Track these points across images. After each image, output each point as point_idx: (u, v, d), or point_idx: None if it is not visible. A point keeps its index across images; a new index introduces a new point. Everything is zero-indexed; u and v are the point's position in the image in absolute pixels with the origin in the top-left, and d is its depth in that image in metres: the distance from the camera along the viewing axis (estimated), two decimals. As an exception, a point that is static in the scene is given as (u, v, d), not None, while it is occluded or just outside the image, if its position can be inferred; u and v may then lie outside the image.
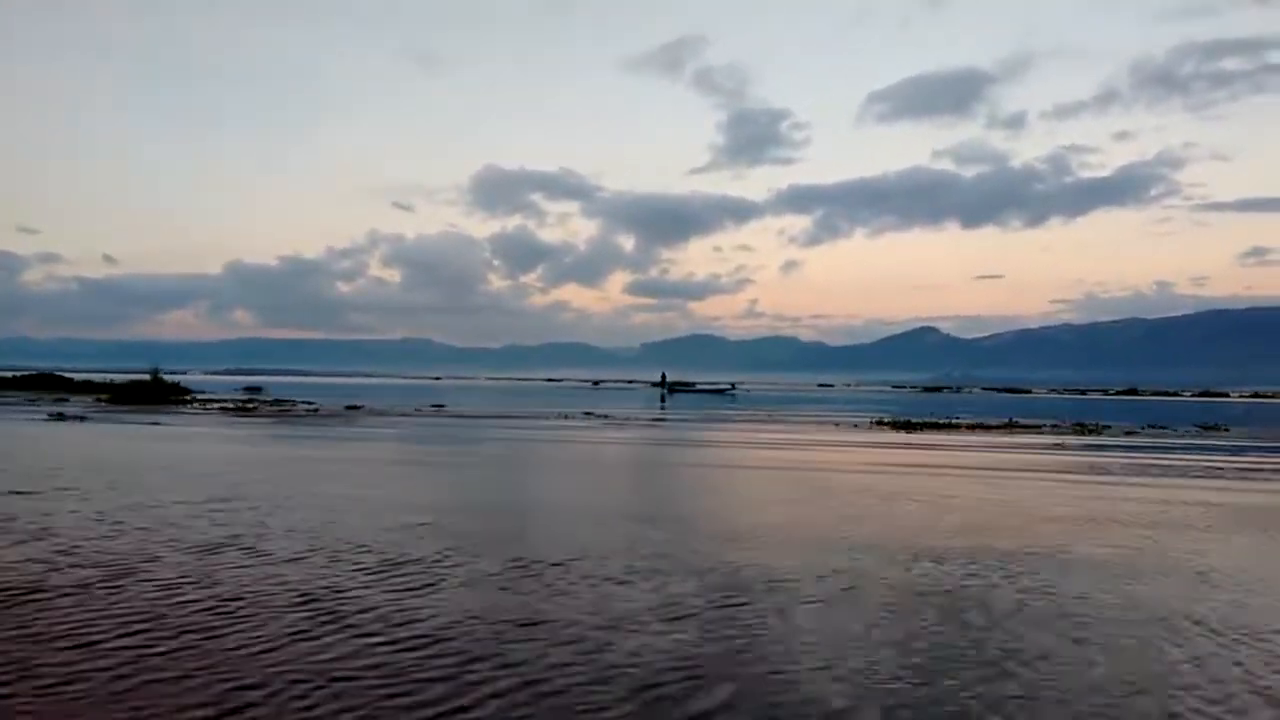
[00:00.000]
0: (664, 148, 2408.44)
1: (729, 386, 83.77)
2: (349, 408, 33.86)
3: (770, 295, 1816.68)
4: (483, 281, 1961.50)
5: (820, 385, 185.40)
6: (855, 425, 28.65)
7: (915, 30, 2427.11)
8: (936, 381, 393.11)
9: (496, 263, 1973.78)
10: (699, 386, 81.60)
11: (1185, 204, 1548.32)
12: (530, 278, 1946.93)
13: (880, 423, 30.08)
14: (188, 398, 36.44)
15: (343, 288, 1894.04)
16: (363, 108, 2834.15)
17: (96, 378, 59.03)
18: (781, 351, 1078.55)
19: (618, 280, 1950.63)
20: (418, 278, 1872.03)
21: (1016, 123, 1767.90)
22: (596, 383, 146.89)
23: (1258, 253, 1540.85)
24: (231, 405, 32.71)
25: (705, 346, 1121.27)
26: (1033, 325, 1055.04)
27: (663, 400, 55.80)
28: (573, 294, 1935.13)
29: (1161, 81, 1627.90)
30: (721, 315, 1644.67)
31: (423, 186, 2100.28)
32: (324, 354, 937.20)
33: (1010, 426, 28.63)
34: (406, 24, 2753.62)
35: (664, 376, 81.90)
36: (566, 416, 32.90)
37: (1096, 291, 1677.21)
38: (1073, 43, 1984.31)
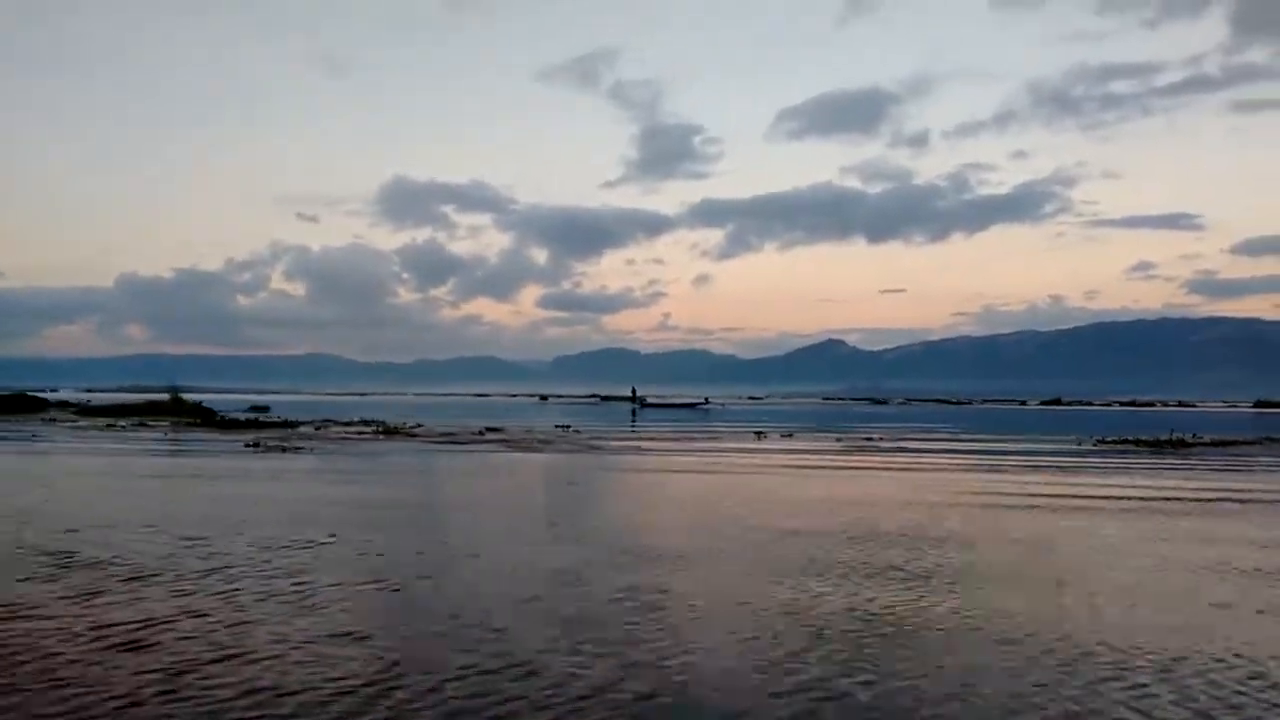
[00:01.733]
0: (577, 160, 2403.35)
1: (702, 401, 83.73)
2: (489, 429, 31.86)
3: (682, 308, 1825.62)
4: (391, 295, 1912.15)
5: (751, 399, 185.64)
6: (1080, 444, 27.19)
7: (824, 50, 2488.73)
8: (845, 393, 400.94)
9: (405, 275, 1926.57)
10: (649, 401, 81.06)
11: (1077, 220, 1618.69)
12: (440, 291, 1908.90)
13: (1104, 440, 28.92)
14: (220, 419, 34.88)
15: (243, 301, 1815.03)
16: (265, 114, 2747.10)
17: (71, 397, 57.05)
18: (694, 364, 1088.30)
19: (530, 293, 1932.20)
20: (322, 291, 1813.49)
21: (920, 141, 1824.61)
22: (544, 397, 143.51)
23: (1143, 267, 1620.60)
24: (370, 433, 29.41)
25: (618, 360, 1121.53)
26: (935, 338, 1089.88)
27: (634, 415, 54.85)
28: (484, 307, 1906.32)
29: (1056, 103, 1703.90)
30: (634, 329, 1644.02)
31: (328, 197, 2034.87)
32: (223, 369, 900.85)
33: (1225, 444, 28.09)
34: (312, 28, 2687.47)
35: (634, 391, 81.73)
36: (760, 434, 32.26)
37: (995, 304, 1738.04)
38: (974, 65, 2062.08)
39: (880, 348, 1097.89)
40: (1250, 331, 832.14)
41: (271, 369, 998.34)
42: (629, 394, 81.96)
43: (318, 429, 30.98)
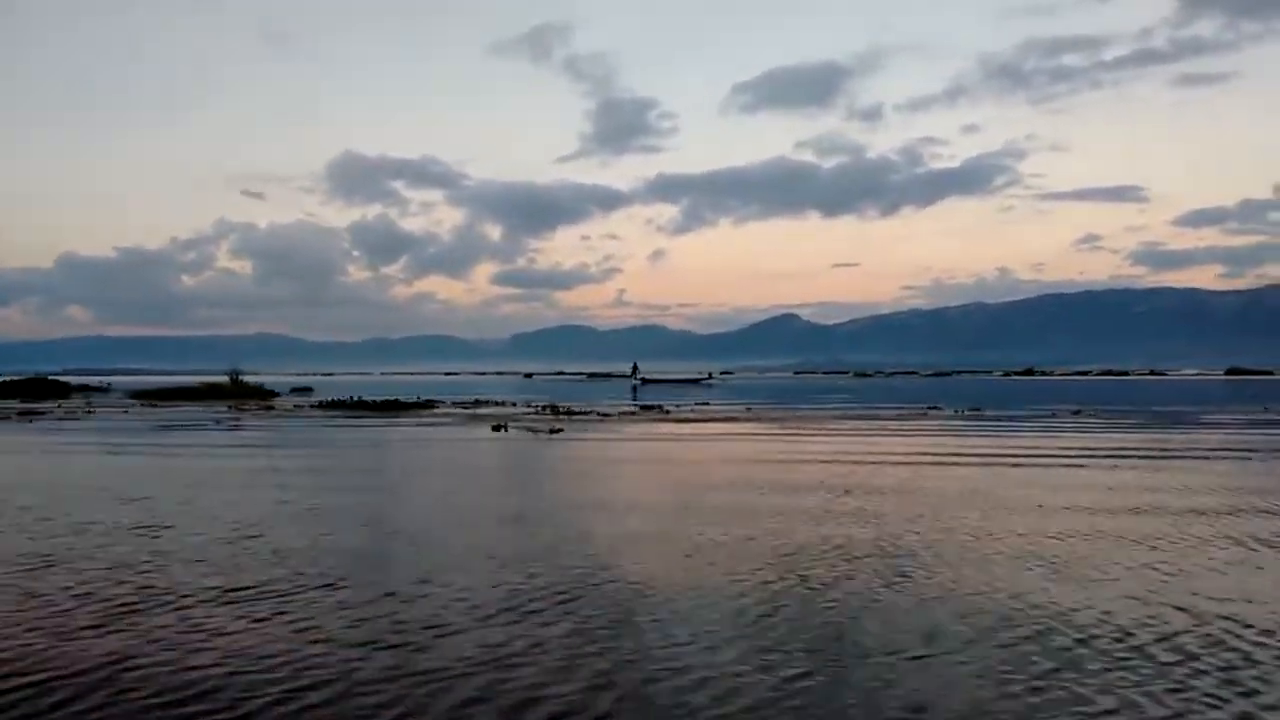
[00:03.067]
0: (531, 135, 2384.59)
1: (705, 376, 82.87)
2: (645, 406, 31.07)
3: (638, 284, 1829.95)
4: (342, 273, 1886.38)
5: (723, 374, 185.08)
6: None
7: (778, 24, 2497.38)
8: (802, 366, 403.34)
9: (356, 253, 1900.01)
10: (649, 377, 79.52)
11: (1026, 193, 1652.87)
12: (393, 268, 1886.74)
13: None
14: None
15: (188, 281, 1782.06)
16: (208, 89, 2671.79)
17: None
18: (651, 340, 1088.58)
19: (484, 270, 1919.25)
20: (271, 269, 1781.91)
21: (873, 115, 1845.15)
22: (529, 375, 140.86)
23: (1090, 239, 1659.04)
24: (551, 414, 26.63)
25: (575, 337, 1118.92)
26: (886, 311, 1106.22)
27: (635, 391, 54.81)
28: (438, 285, 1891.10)
29: (1006, 76, 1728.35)
30: (590, 305, 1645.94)
31: (275, 174, 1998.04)
32: (170, 351, 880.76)
33: None
34: (258, 0, 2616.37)
35: (635, 367, 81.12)
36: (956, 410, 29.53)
37: (944, 278, 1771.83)
38: (925, 38, 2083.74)
39: (833, 321, 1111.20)
40: (1193, 301, 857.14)
41: (220, 349, 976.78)
42: (617, 371, 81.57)
43: (467, 407, 29.37)
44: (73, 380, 48.59)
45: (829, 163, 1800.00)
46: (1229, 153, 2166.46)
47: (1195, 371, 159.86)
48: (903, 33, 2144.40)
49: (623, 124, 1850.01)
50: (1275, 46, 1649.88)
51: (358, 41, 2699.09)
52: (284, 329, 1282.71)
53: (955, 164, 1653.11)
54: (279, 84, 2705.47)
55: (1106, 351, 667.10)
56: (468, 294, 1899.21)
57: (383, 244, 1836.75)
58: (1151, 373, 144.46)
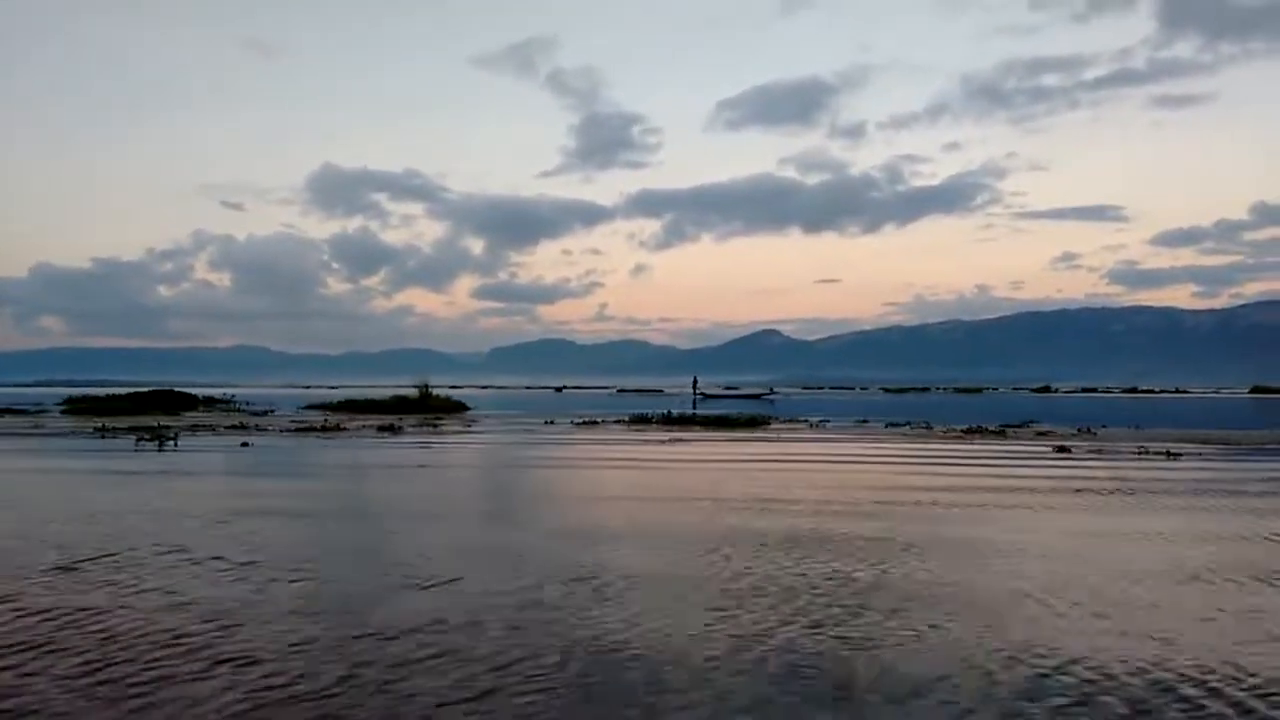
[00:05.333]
0: (513, 149, 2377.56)
1: (767, 391, 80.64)
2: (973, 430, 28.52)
3: (620, 299, 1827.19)
4: (321, 285, 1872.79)
5: (727, 388, 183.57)
6: None
7: (764, 41, 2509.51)
8: (785, 381, 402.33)
9: (336, 266, 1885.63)
10: (709, 392, 77.25)
11: (1006, 212, 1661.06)
12: (372, 281, 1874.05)
13: None
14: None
15: (165, 292, 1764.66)
16: (186, 99, 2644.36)
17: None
18: (632, 355, 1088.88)
19: (465, 284, 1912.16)
20: (249, 282, 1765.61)
21: (856, 133, 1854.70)
22: (559, 389, 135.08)
23: (1068, 258, 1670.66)
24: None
25: (555, 351, 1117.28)
26: (867, 327, 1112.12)
27: (694, 405, 52.90)
28: (418, 298, 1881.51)
29: (987, 96, 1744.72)
30: (571, 319, 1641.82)
31: (254, 185, 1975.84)
32: (146, 363, 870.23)
33: None
34: (238, 9, 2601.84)
35: (695, 381, 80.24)
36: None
37: (924, 295, 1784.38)
38: (908, 57, 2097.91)
39: (815, 337, 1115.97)
40: (1168, 320, 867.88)
41: (197, 362, 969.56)
42: (646, 386, 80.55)
43: (804, 427, 28.87)
44: (197, 393, 44.88)
45: (812, 180, 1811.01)
46: (1206, 173, 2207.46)
47: (1216, 389, 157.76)
48: (886, 51, 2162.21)
49: (607, 139, 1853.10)
50: (1253, 68, 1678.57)
51: (340, 53, 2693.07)
52: (263, 341, 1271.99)
53: (936, 182, 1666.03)
54: (260, 95, 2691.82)
55: (1084, 370, 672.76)
56: (447, 307, 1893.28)
57: (363, 257, 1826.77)
58: (1177, 390, 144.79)
